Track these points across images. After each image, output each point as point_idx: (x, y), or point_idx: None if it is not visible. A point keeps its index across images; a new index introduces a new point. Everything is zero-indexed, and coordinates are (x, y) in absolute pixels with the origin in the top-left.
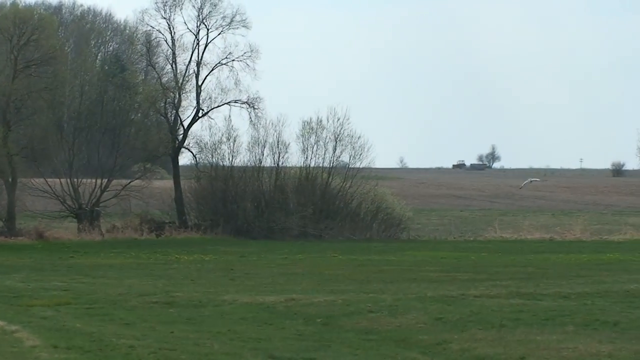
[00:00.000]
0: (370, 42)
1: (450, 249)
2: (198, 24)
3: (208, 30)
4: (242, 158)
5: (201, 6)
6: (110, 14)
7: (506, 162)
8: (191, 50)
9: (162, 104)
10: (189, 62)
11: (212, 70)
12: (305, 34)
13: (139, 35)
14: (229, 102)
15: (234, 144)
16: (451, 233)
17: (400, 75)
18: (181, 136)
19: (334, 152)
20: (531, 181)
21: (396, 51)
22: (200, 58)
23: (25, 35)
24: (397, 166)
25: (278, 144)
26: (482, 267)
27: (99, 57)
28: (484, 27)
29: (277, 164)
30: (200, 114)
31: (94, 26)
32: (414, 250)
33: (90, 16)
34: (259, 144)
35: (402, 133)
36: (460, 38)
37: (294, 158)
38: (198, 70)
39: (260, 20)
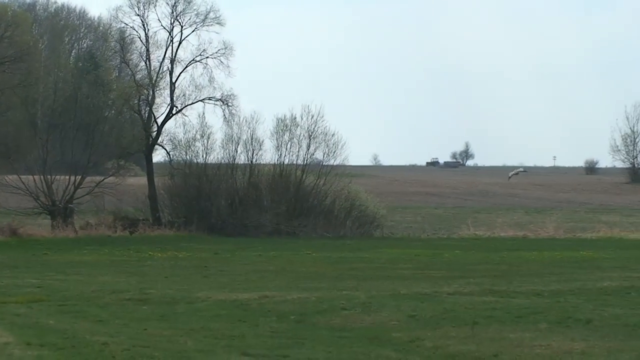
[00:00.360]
0: (344, 40)
1: (423, 247)
2: (172, 21)
3: (182, 27)
4: (216, 155)
5: (175, 3)
6: (84, 11)
7: (480, 159)
8: (165, 47)
9: (136, 101)
10: (163, 59)
11: (186, 67)
12: (279, 31)
13: (112, 32)
14: (203, 99)
15: (207, 141)
16: (425, 230)
17: (374, 73)
18: (155, 133)
19: (308, 149)
20: (518, 172)
21: (370, 49)
22: (174, 55)
23: None
24: (371, 164)
25: (252, 141)
26: (456, 265)
27: (72, 54)
28: (457, 24)
29: (251, 161)
30: (174, 111)
31: (68, 23)
32: (388, 247)
33: (64, 13)
34: (232, 141)
35: (376, 130)
36: (434, 36)
37: (267, 155)
38: (172, 68)
39: (234, 17)
